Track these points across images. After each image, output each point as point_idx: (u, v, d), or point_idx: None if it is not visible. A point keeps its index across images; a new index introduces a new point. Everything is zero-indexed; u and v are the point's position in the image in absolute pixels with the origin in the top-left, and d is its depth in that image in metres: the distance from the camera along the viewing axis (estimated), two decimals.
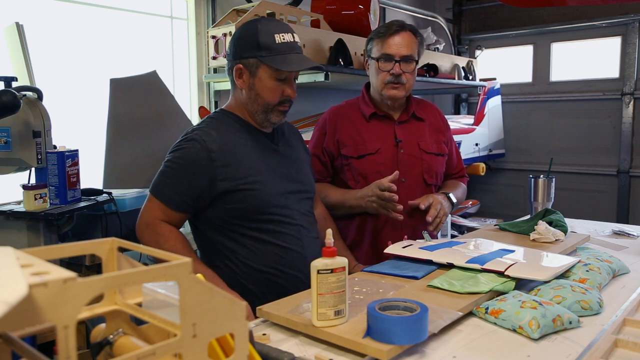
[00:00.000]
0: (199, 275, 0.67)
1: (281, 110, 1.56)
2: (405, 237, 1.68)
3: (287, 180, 1.61)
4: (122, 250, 0.76)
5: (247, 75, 1.54)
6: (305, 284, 1.55)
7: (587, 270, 1.40)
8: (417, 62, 1.90)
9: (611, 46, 4.25)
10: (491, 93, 4.40)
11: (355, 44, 2.78)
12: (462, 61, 4.01)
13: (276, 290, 1.52)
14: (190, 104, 2.93)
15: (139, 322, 0.73)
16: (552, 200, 2.16)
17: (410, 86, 1.91)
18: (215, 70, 2.88)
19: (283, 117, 1.59)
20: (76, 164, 1.86)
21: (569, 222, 1.97)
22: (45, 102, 1.85)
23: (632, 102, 4.11)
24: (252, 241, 1.54)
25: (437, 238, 1.96)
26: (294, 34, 1.55)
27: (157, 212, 1.49)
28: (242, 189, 1.51)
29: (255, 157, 1.56)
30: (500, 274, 1.33)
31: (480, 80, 4.25)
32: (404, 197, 1.88)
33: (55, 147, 1.86)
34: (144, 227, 1.49)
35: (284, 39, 1.51)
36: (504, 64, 4.79)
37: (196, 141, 1.50)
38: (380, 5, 3.25)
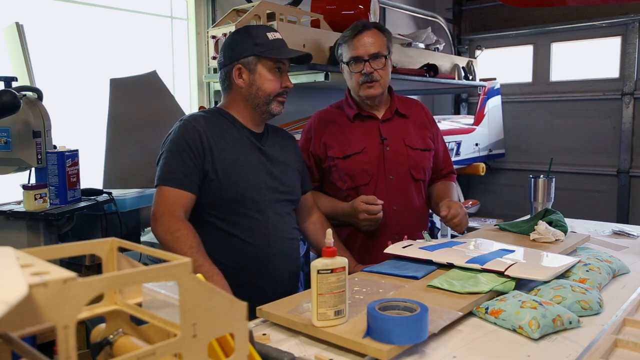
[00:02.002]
0: (199, 275, 0.67)
1: (280, 100, 1.68)
2: (405, 237, 1.68)
3: (266, 175, 1.65)
4: (122, 250, 0.76)
5: (247, 74, 1.65)
6: (265, 282, 1.61)
7: (587, 270, 1.40)
8: (387, 57, 1.90)
9: (611, 46, 4.25)
10: (491, 93, 4.40)
11: None
12: (462, 61, 4.01)
13: (241, 286, 1.55)
14: (190, 104, 2.94)
15: (139, 322, 0.73)
16: (552, 200, 2.16)
17: (385, 82, 1.92)
18: (215, 70, 2.88)
19: (282, 108, 1.70)
20: (76, 164, 1.85)
21: (569, 222, 1.97)
22: (45, 102, 1.85)
23: (632, 102, 4.11)
24: (221, 233, 1.59)
25: (437, 238, 1.96)
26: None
27: (171, 200, 1.52)
28: (220, 177, 1.57)
29: (238, 149, 1.63)
30: (500, 274, 1.33)
31: (480, 80, 4.25)
32: (392, 194, 1.90)
33: (55, 147, 1.86)
34: (160, 216, 1.50)
35: (275, 36, 1.67)
36: (504, 64, 4.79)
37: (186, 125, 1.61)
38: (380, 5, 3.25)
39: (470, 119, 4.35)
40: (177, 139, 1.58)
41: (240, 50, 1.65)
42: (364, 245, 1.91)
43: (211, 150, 1.58)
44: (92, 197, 1.92)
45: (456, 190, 2.08)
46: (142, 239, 2.26)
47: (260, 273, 1.60)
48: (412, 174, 1.94)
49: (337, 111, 2.02)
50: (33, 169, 1.86)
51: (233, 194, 1.58)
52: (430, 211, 2.14)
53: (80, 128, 2.40)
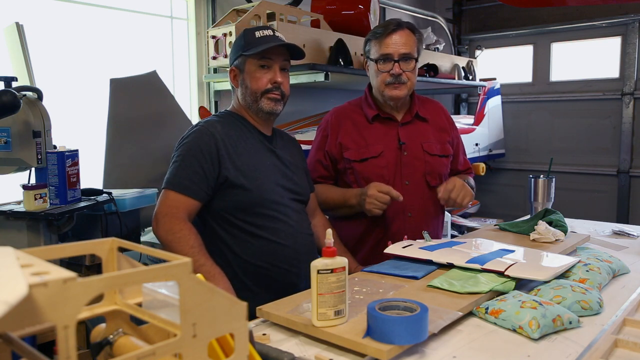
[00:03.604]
0: (199, 275, 0.67)
1: (270, 97, 1.65)
2: (405, 237, 1.68)
3: (282, 177, 1.68)
4: (122, 250, 0.76)
5: (238, 74, 1.68)
6: (298, 278, 1.62)
7: (587, 270, 1.40)
8: (416, 60, 1.88)
9: (611, 46, 4.25)
10: (491, 93, 4.40)
11: (355, 44, 2.78)
12: (462, 61, 4.01)
13: (270, 285, 1.60)
14: (190, 104, 2.94)
15: (139, 322, 0.73)
16: (552, 200, 2.16)
17: (412, 85, 1.89)
18: (215, 70, 2.88)
19: (275, 105, 1.66)
20: (76, 164, 1.85)
21: (569, 222, 1.97)
22: (45, 102, 1.85)
23: (632, 102, 4.11)
24: (248, 236, 1.60)
25: (439, 238, 1.96)
26: (276, 31, 1.67)
27: (174, 203, 1.52)
28: (241, 183, 1.58)
29: (254, 153, 1.65)
30: (500, 274, 1.33)
31: (480, 80, 4.25)
32: (408, 200, 1.88)
33: (55, 147, 1.86)
34: (162, 217, 1.51)
35: (263, 34, 1.64)
36: (504, 64, 4.79)
37: (202, 131, 1.61)
38: (380, 5, 3.25)
39: (470, 119, 4.35)
40: (191, 144, 1.58)
41: (233, 53, 1.69)
42: (375, 248, 1.88)
43: (229, 156, 1.58)
44: (92, 197, 1.92)
45: (471, 180, 2.05)
46: (142, 239, 2.26)
47: (292, 271, 1.62)
48: (427, 180, 1.91)
49: (356, 110, 1.97)
50: (33, 169, 1.86)
51: (256, 197, 1.59)
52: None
53: (80, 128, 2.40)
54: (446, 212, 2.04)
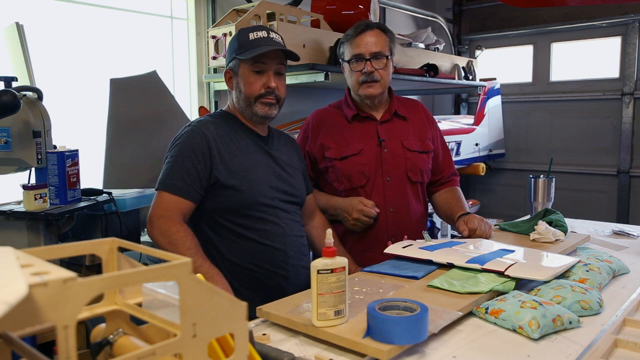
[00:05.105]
0: (199, 275, 0.67)
1: (264, 102, 1.62)
2: (406, 237, 1.68)
3: (276, 179, 1.67)
4: (122, 250, 0.76)
5: (234, 77, 1.66)
6: (285, 281, 1.62)
7: (587, 270, 1.40)
8: (389, 57, 1.90)
9: (611, 46, 4.25)
10: (491, 93, 4.40)
11: None
12: (462, 61, 4.01)
13: (256, 286, 1.59)
14: (190, 104, 2.94)
15: (139, 322, 0.73)
16: (552, 200, 2.16)
17: (386, 82, 1.92)
18: (215, 70, 2.88)
19: (269, 110, 1.64)
20: (76, 164, 1.85)
21: (569, 222, 1.97)
22: (45, 102, 1.85)
23: (632, 102, 4.11)
24: (236, 237, 1.59)
25: (437, 238, 1.96)
26: (271, 32, 1.64)
27: (169, 205, 1.52)
28: (232, 184, 1.57)
29: (247, 154, 1.63)
30: (500, 274, 1.33)
31: (480, 80, 4.25)
32: (389, 196, 1.91)
33: (55, 147, 1.86)
34: (156, 219, 1.51)
35: (257, 36, 1.61)
36: (504, 64, 4.79)
37: (194, 131, 1.60)
38: (380, 5, 3.25)
39: (470, 119, 4.35)
40: (184, 144, 1.57)
41: (228, 55, 1.68)
42: (358, 247, 1.91)
43: (221, 157, 1.58)
44: (92, 197, 1.92)
45: (463, 199, 2.04)
46: (142, 239, 2.26)
47: (279, 274, 1.61)
48: (408, 176, 1.93)
49: (336, 111, 2.01)
50: (33, 169, 1.86)
51: (247, 199, 1.58)
52: (429, 211, 2.14)
53: (80, 128, 2.40)
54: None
